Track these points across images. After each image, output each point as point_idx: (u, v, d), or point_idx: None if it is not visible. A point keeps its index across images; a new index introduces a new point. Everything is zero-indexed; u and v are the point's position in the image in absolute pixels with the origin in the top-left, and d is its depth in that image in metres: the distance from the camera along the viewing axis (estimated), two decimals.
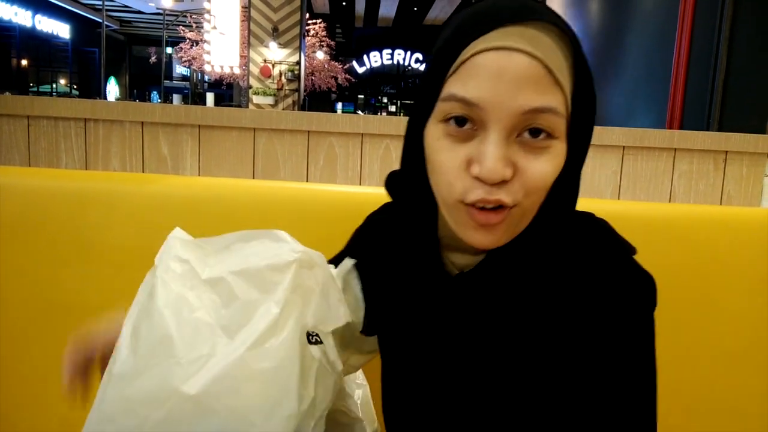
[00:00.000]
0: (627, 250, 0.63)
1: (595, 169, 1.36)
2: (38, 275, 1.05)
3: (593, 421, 0.59)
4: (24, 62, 14.14)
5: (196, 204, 1.12)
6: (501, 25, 0.54)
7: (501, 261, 0.62)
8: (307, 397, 0.61)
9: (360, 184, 1.34)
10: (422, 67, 16.90)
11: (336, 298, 0.69)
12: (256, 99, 8.72)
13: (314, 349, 0.64)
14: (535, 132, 0.55)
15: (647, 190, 1.38)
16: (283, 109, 7.81)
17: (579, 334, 0.60)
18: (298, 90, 8.89)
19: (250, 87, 8.80)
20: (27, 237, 1.05)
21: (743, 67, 2.77)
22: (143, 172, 1.33)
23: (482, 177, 0.54)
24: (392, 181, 0.69)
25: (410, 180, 0.64)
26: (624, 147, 1.36)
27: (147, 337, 0.60)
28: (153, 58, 12.51)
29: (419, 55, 16.91)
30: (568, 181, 0.61)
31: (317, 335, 0.66)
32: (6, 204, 1.05)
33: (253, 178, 1.34)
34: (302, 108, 9.43)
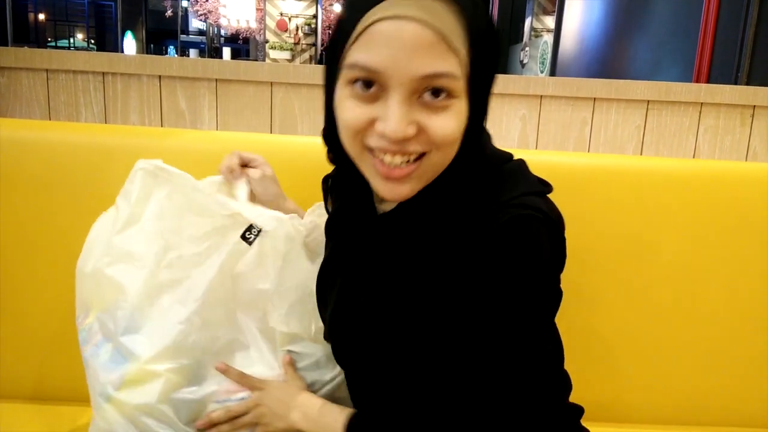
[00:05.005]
0: (523, 191, 0.66)
1: (618, 124, 1.34)
2: (59, 227, 1.07)
3: (463, 355, 0.66)
4: (41, 17, 14.08)
5: (215, 158, 1.12)
6: None
7: (410, 206, 0.69)
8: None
9: None
10: None
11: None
12: (272, 54, 8.60)
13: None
14: (435, 92, 0.60)
15: (671, 146, 1.35)
16: (300, 64, 7.71)
17: (462, 273, 0.65)
18: (315, 44, 8.75)
19: (267, 41, 8.68)
20: (48, 190, 1.07)
21: None
22: (162, 126, 1.33)
23: (386, 135, 0.60)
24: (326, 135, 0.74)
25: (333, 136, 0.69)
26: (648, 101, 1.33)
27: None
28: (169, 12, 12.36)
29: None
30: (472, 133, 0.65)
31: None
32: (27, 157, 1.06)
33: (271, 132, 1.34)
34: (319, 62, 9.30)
